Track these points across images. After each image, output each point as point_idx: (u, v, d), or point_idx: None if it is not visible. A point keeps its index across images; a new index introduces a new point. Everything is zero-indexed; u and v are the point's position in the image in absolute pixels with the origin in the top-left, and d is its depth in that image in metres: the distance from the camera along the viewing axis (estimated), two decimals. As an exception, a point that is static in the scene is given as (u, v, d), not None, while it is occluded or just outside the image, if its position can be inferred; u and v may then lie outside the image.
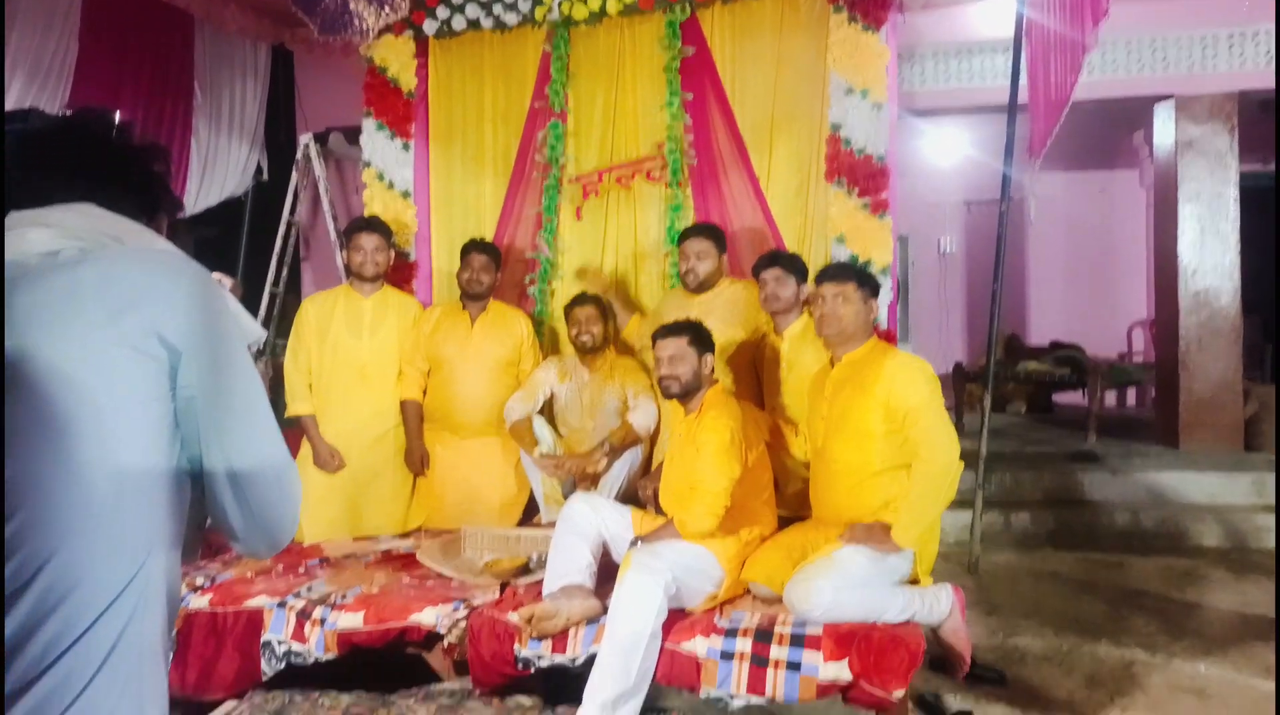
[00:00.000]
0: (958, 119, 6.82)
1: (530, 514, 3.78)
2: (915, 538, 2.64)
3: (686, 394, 2.96)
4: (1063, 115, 4.23)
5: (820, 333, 2.93)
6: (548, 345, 4.16)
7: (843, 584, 2.52)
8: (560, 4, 4.12)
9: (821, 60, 3.87)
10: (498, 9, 4.21)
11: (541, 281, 4.21)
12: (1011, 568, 4.71)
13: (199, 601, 2.81)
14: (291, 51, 5.60)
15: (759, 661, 2.46)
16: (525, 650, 2.60)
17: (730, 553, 2.80)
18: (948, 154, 8.12)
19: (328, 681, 2.76)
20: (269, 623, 2.77)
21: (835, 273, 2.93)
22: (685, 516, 2.75)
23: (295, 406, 3.66)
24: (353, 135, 4.88)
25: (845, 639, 2.45)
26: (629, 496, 3.51)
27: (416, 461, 3.77)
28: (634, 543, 2.80)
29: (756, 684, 2.45)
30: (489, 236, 4.18)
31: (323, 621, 2.74)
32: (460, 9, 4.24)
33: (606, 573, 2.77)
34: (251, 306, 5.85)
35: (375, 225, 3.80)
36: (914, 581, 2.75)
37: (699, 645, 2.53)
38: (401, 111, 4.36)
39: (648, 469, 3.68)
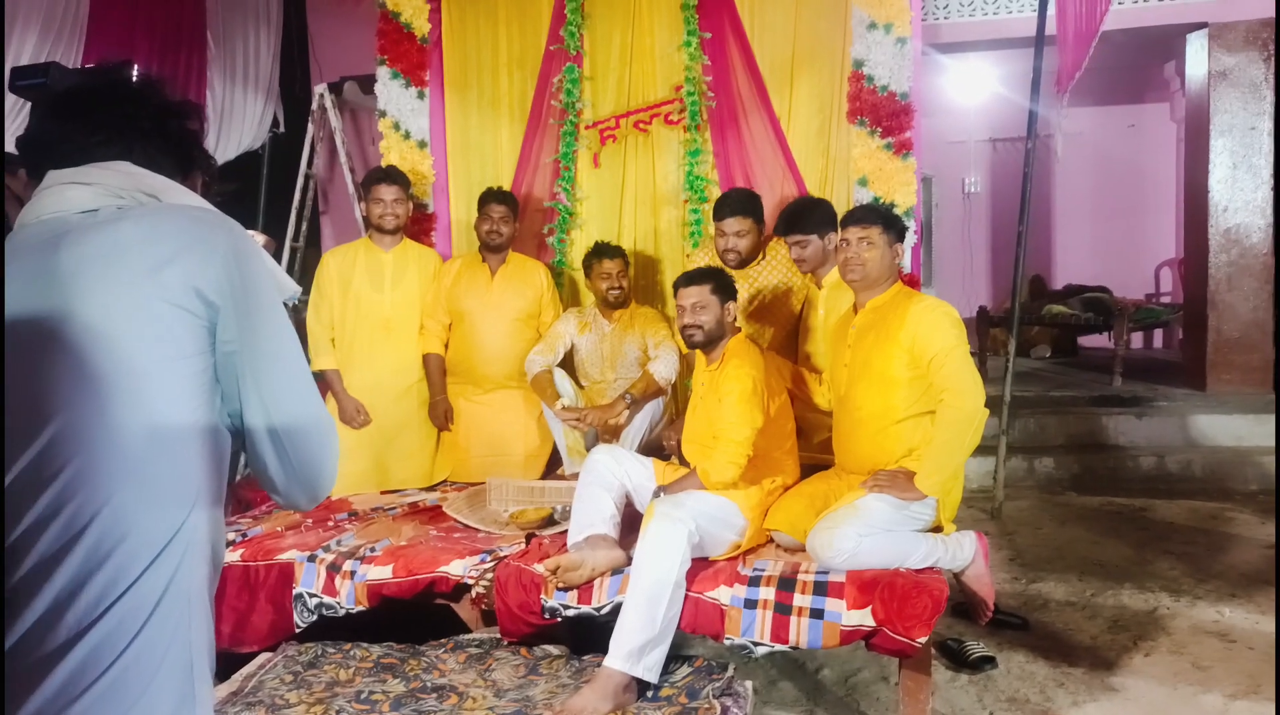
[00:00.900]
0: (983, 53, 6.64)
1: (554, 466, 3.80)
2: (938, 485, 2.62)
3: (710, 343, 2.94)
4: (1092, 46, 4.12)
5: (845, 278, 2.88)
6: (567, 296, 4.14)
7: (865, 531, 2.52)
8: (574, -58, 4.02)
9: (843, -6, 3.76)
10: (510, -51, 4.11)
11: (560, 231, 4.18)
12: (1035, 513, 4.71)
13: (231, 556, 2.86)
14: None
15: (782, 609, 2.48)
16: (551, 600, 2.63)
17: (753, 502, 2.80)
18: (973, 90, 7.93)
19: (359, 633, 2.81)
20: (300, 576, 2.82)
21: (860, 216, 2.88)
22: (708, 466, 2.76)
23: (318, 361, 3.67)
24: (367, 84, 4.82)
25: (868, 586, 2.46)
26: (652, 447, 3.51)
27: (440, 415, 3.79)
28: (657, 493, 2.81)
29: (780, 631, 2.47)
30: (506, 185, 4.14)
31: (353, 574, 2.78)
32: (472, -50, 4.14)
33: (630, 524, 2.78)
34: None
35: (394, 176, 3.75)
36: (937, 529, 2.74)
37: (723, 593, 2.54)
38: (415, 58, 4.29)
39: (669, 420, 3.69)
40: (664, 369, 3.51)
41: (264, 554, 2.88)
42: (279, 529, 3.15)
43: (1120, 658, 3.06)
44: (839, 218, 3.12)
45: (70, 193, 1.07)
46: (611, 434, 3.50)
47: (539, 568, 2.67)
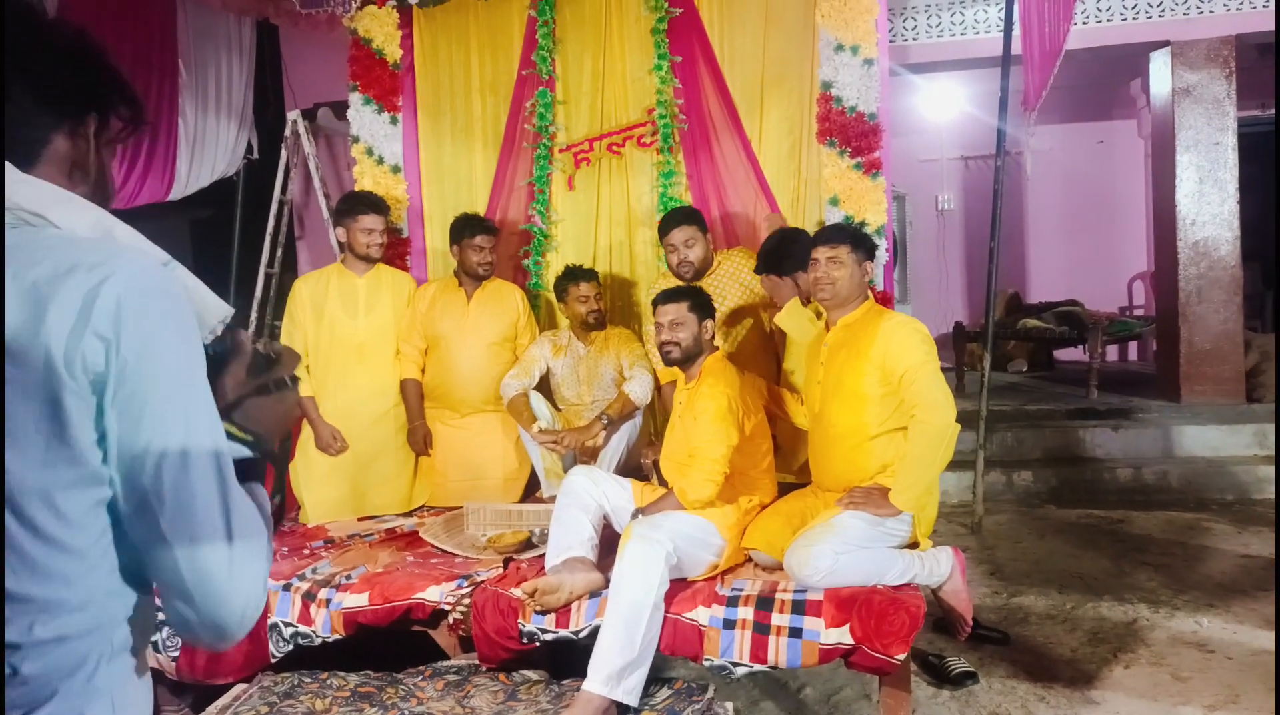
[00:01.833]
0: (952, 73, 6.74)
1: (533, 489, 3.78)
2: (913, 500, 2.63)
3: (687, 360, 2.95)
4: (1056, 65, 4.19)
5: (815, 296, 2.91)
6: (544, 318, 4.14)
7: (842, 548, 2.53)
8: (543, -34, 4.05)
9: (810, 17, 3.81)
10: (481, -25, 4.13)
11: (536, 253, 4.18)
12: (1014, 527, 4.73)
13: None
14: (276, 25, 5.51)
15: (761, 629, 2.47)
16: (529, 625, 2.61)
17: (730, 521, 2.80)
18: (943, 109, 8.04)
19: (335, 662, 2.77)
20: (275, 605, 2.78)
21: (828, 235, 2.91)
22: (685, 485, 2.75)
23: (293, 388, 3.64)
24: (341, 110, 4.82)
25: (846, 604, 2.46)
26: (630, 467, 3.51)
27: (419, 440, 3.77)
28: (635, 514, 2.80)
29: (759, 651, 2.46)
30: (481, 210, 4.15)
31: (328, 602, 2.75)
32: (443, -24, 4.17)
33: (609, 545, 2.77)
34: (247, 288, 5.84)
35: (378, 204, 3.73)
36: (914, 545, 2.75)
37: (701, 614, 2.54)
38: (388, 84, 4.30)
39: (648, 440, 3.68)
40: (639, 389, 3.51)
41: (238, 584, 2.84)
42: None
43: (1100, 670, 3.07)
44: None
45: None
46: (589, 455, 3.49)
47: (517, 592, 2.65)
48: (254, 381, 1.07)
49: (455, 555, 3.07)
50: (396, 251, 4.25)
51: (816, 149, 3.84)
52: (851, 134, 3.73)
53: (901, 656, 2.39)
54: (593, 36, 4.12)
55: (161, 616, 0.92)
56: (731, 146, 3.98)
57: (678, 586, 2.63)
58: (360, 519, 3.66)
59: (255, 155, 5.76)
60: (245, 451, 0.99)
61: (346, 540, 3.35)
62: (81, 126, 0.95)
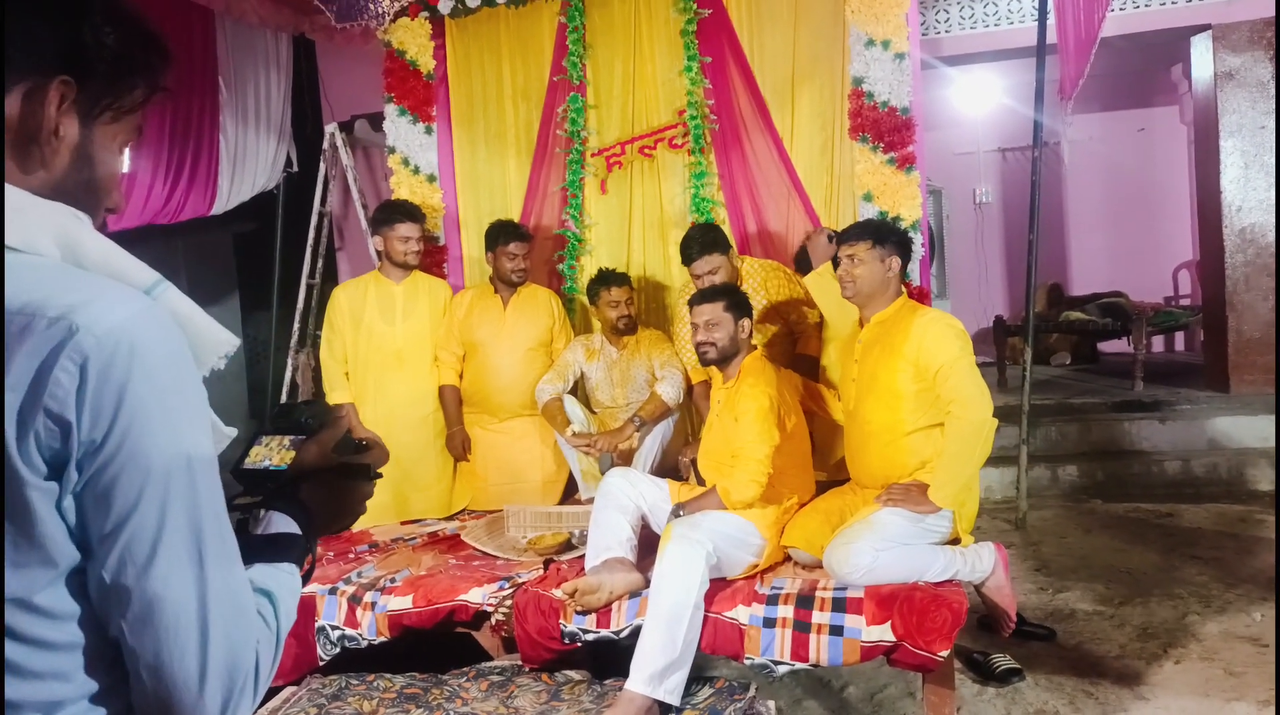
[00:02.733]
0: (988, 65, 6.65)
1: (571, 491, 3.81)
2: (952, 497, 2.61)
3: (724, 360, 2.96)
4: (1092, 53, 4.13)
5: (843, 295, 2.90)
6: (579, 322, 4.17)
7: (882, 546, 2.52)
8: (573, -27, 4.09)
9: (840, 12, 3.79)
10: (511, -17, 4.18)
11: (570, 258, 4.22)
12: (1060, 522, 4.66)
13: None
14: (313, 40, 5.62)
15: (801, 627, 2.47)
16: (570, 625, 2.63)
17: (770, 521, 2.80)
18: (979, 102, 7.94)
19: (382, 664, 2.82)
20: (322, 609, 2.84)
21: (849, 234, 2.90)
22: (729, 485, 2.76)
23: (334, 395, 3.72)
24: (377, 122, 4.90)
25: (887, 601, 2.45)
26: (665, 468, 3.52)
27: (458, 446, 3.82)
28: (676, 512, 2.81)
29: (800, 650, 2.46)
30: (515, 216, 4.19)
31: (374, 605, 2.80)
32: (474, -14, 4.22)
33: (648, 546, 2.79)
34: (289, 299, 5.94)
35: (413, 213, 3.79)
36: (955, 540, 2.73)
37: (741, 613, 2.54)
38: (422, 94, 4.37)
39: (685, 440, 3.69)
40: (670, 390, 3.52)
41: (285, 588, 2.90)
42: (300, 563, 3.17)
43: (1150, 667, 3.02)
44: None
45: None
46: (624, 458, 3.51)
47: (557, 593, 2.68)
48: (337, 458, 1.01)
49: (496, 557, 3.11)
50: (434, 259, 4.30)
51: (849, 145, 3.82)
52: (884, 129, 3.71)
53: (944, 653, 2.37)
54: (622, 40, 4.15)
55: None
56: (763, 145, 3.98)
57: (718, 586, 2.64)
58: (403, 523, 3.71)
59: (295, 168, 5.86)
60: (289, 526, 0.93)
61: (390, 544, 3.40)
62: (40, 91, 0.75)
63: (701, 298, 2.99)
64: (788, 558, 2.88)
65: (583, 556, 2.94)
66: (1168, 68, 7.52)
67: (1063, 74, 4.38)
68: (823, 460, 3.32)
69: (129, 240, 0.88)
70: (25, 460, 0.67)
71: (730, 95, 4.01)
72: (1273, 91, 5.55)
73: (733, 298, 2.97)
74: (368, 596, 2.82)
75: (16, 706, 0.72)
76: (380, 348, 3.74)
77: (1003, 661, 3.01)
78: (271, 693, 2.75)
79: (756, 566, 2.77)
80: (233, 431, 0.86)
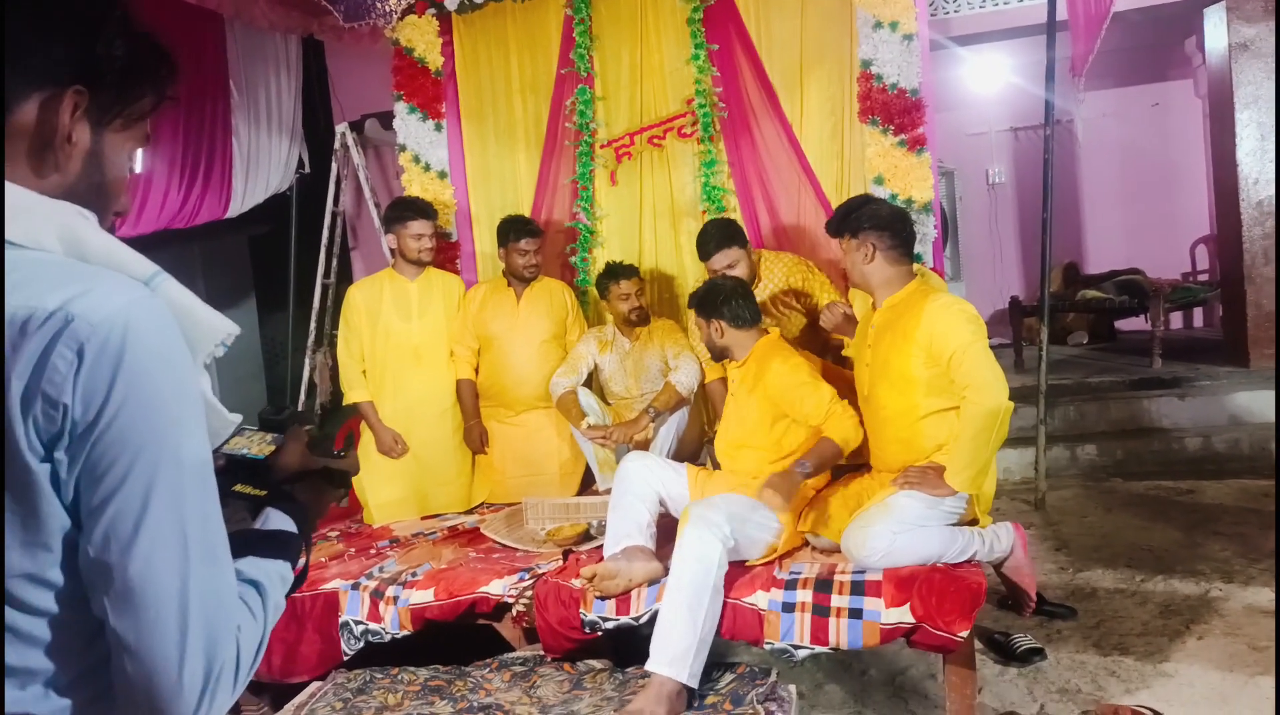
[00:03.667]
0: (998, 44, 6.59)
1: (589, 482, 3.83)
2: (969, 480, 2.59)
3: (720, 356, 3.04)
4: (1103, 29, 4.09)
5: (852, 285, 2.94)
6: (592, 314, 4.18)
7: (899, 528, 2.52)
8: (577, -36, 4.09)
9: (847, -6, 3.78)
10: (515, -24, 4.18)
11: (582, 250, 4.23)
12: (1080, 502, 4.64)
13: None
14: (321, 41, 5.65)
15: (820, 611, 2.48)
16: (590, 614, 2.65)
17: (791, 504, 2.80)
18: (990, 81, 7.87)
19: (405, 657, 2.85)
20: (345, 604, 2.87)
21: (830, 227, 2.90)
22: (840, 431, 2.76)
23: (352, 394, 3.75)
24: (387, 120, 4.93)
25: (905, 583, 2.45)
26: (681, 457, 3.53)
27: (475, 440, 3.84)
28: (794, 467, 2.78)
29: (820, 633, 2.47)
30: (526, 210, 4.21)
31: (396, 599, 2.83)
32: (478, -20, 4.23)
33: (667, 534, 2.80)
34: (305, 299, 5.99)
35: (425, 210, 3.81)
36: (973, 521, 2.72)
37: (760, 598, 2.55)
38: (431, 91, 4.38)
39: (700, 429, 3.71)
40: (685, 379, 3.53)
41: (309, 584, 2.94)
42: (322, 559, 3.21)
43: (1173, 643, 3.01)
44: None
45: None
46: (639, 448, 3.52)
47: (576, 582, 2.70)
48: (318, 462, 1.07)
49: (516, 550, 3.13)
50: (446, 255, 4.33)
51: (859, 128, 3.81)
52: (894, 111, 3.70)
53: (964, 633, 2.37)
54: (629, 31, 4.15)
55: None
56: (773, 131, 3.97)
57: (736, 571, 2.65)
58: (423, 518, 3.75)
59: (307, 169, 5.90)
60: (287, 524, 0.97)
61: (411, 539, 3.43)
62: (56, 100, 0.79)
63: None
64: (806, 542, 2.89)
65: (601, 547, 2.96)
66: (1181, 40, 7.43)
67: (1074, 51, 4.35)
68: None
69: (146, 246, 0.92)
70: (28, 442, 0.71)
71: (738, 82, 4.01)
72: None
73: (697, 301, 3.04)
74: (390, 591, 2.85)
75: (14, 671, 0.75)
76: (397, 345, 3.77)
77: (1024, 641, 3.01)
78: (297, 688, 2.79)
79: (775, 549, 2.78)
80: (237, 417, 0.90)
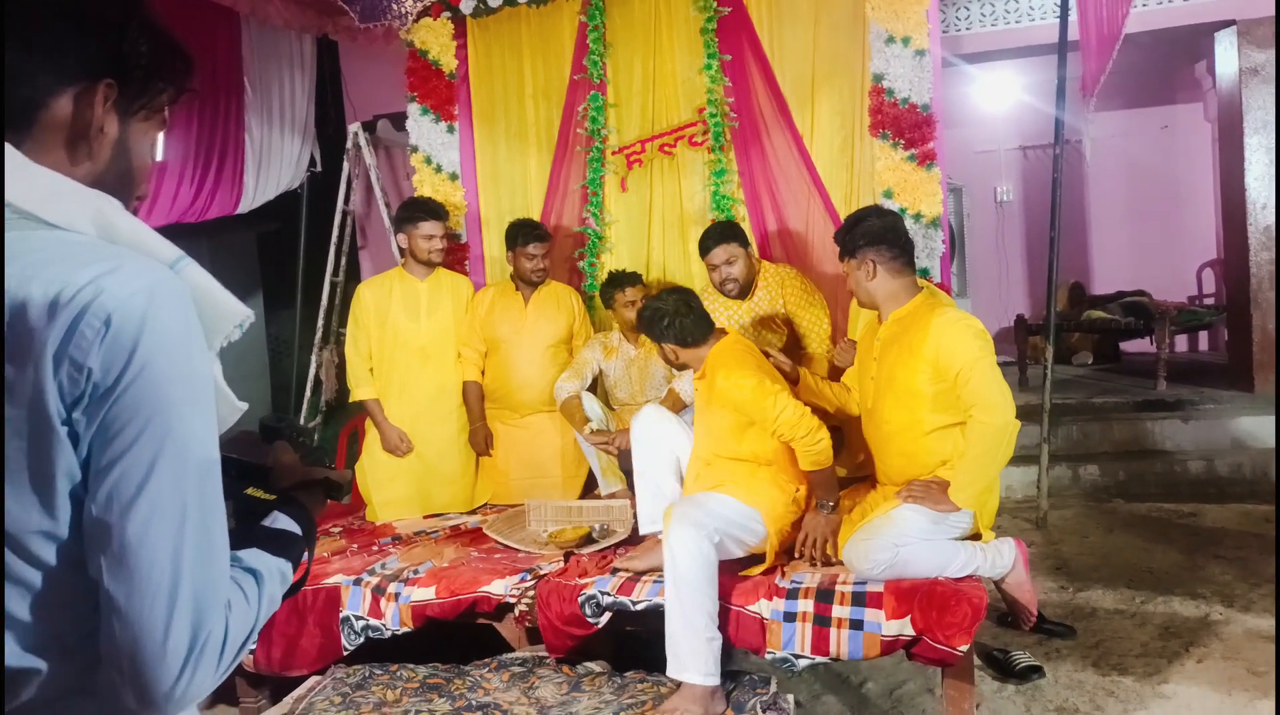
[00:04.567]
0: (1008, 62, 6.62)
1: (591, 486, 3.84)
2: (973, 498, 2.59)
3: (694, 344, 2.92)
4: (1115, 50, 4.11)
5: (860, 305, 2.95)
6: (600, 319, 4.19)
7: (902, 541, 2.52)
8: (593, -28, 4.11)
9: (860, 10, 3.80)
10: (532, -17, 4.21)
11: (590, 255, 4.24)
12: (1081, 522, 4.64)
13: (279, 582, 2.93)
14: (335, 41, 5.68)
15: (822, 621, 2.48)
16: (591, 589, 2.65)
17: (777, 512, 2.75)
18: (1000, 99, 7.91)
19: (405, 655, 2.86)
20: (346, 600, 2.88)
21: (842, 247, 2.84)
22: (809, 451, 2.69)
23: (359, 392, 3.76)
24: (399, 121, 4.95)
25: (907, 595, 2.46)
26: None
27: (480, 441, 3.85)
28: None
29: (820, 643, 2.47)
30: (536, 214, 4.22)
31: (397, 596, 2.84)
32: (495, -14, 4.25)
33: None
34: (313, 297, 6.01)
35: (437, 211, 3.82)
36: (975, 537, 2.72)
37: (763, 607, 2.55)
38: (444, 94, 4.41)
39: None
40: (688, 386, 3.53)
41: (311, 578, 2.94)
42: (325, 555, 3.22)
43: (1172, 665, 3.01)
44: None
45: None
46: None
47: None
48: (314, 473, 1.10)
49: (518, 550, 3.14)
50: (455, 257, 4.34)
51: (869, 142, 3.83)
52: (904, 125, 3.72)
53: (964, 648, 2.38)
54: (642, 39, 4.17)
55: None
56: (783, 143, 3.99)
57: (738, 580, 2.66)
58: (426, 517, 3.75)
59: (318, 168, 5.93)
60: (293, 526, 1.00)
61: (413, 537, 3.44)
62: (89, 93, 0.85)
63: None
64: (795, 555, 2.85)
65: (603, 550, 2.97)
66: (1191, 64, 7.46)
67: (1085, 71, 4.36)
68: (851, 456, 3.29)
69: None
70: (54, 404, 0.75)
71: (750, 93, 4.03)
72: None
73: (644, 326, 3.01)
74: (391, 587, 2.86)
75: (15, 622, 0.79)
76: (405, 344, 3.78)
77: (1023, 659, 3.01)
78: (296, 681, 2.79)
79: (752, 550, 2.74)
80: (244, 405, 0.93)
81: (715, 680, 2.42)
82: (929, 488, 2.64)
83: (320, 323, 5.89)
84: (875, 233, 2.73)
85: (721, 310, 3.58)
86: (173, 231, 4.97)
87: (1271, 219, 5.60)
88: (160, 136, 0.99)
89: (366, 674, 2.76)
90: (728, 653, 2.59)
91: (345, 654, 2.85)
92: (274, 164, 5.44)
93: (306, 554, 1.03)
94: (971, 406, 2.56)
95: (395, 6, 4.36)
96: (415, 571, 2.94)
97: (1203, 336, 8.12)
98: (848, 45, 3.89)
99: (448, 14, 4.36)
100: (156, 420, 0.78)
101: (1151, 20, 5.40)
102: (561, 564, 2.92)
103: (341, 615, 2.86)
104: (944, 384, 2.62)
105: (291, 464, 1.09)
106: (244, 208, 5.31)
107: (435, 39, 4.38)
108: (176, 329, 0.80)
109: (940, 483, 2.64)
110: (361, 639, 2.85)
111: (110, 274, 0.77)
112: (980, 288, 8.53)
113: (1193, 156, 8.04)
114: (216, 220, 5.23)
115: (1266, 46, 5.51)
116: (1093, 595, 3.64)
